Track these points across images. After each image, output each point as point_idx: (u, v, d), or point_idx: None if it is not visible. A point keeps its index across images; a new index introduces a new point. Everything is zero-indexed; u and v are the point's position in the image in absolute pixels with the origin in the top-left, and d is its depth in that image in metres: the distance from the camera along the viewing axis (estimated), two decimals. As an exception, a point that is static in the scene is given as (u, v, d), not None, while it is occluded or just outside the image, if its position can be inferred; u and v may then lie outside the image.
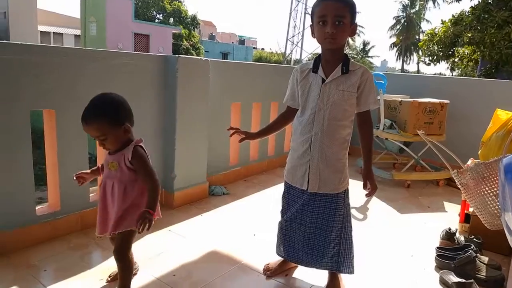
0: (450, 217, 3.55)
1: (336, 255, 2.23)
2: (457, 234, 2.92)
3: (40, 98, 2.53)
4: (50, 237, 2.60)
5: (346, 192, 2.23)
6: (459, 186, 2.80)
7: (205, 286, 2.26)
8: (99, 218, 2.06)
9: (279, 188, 4.00)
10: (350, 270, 2.27)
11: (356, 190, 2.42)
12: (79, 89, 2.67)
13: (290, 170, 2.26)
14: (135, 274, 2.26)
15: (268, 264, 2.48)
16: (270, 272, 2.41)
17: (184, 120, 3.34)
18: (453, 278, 2.40)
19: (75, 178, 2.10)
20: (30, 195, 2.55)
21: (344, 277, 2.34)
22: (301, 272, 2.44)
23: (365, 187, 2.19)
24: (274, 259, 2.49)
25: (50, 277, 2.24)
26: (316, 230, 2.20)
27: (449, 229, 2.93)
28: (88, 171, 2.16)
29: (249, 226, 3.11)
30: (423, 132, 3.59)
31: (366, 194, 2.22)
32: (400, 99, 4.44)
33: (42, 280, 2.20)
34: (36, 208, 2.61)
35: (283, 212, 2.37)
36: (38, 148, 2.52)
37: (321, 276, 2.37)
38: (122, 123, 1.95)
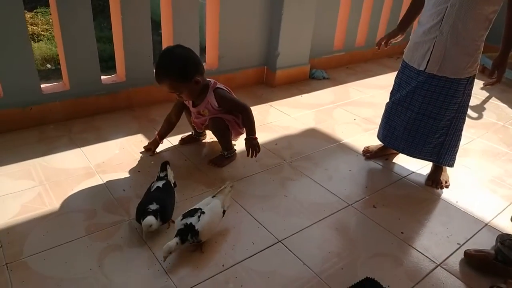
0: None
1: (439, 145, 2.12)
2: None
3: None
4: (165, 99, 2.84)
5: (470, 79, 1.99)
6: None
7: (304, 157, 2.36)
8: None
9: (384, 79, 3.82)
10: (451, 163, 2.17)
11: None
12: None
13: (411, 48, 2.06)
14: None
15: (368, 146, 2.47)
16: (369, 154, 2.41)
17: (294, -6, 3.15)
18: None
19: (144, 149, 2.27)
20: (149, 57, 2.76)
21: (449, 170, 2.25)
22: (402, 159, 2.40)
23: (491, 75, 1.94)
24: (375, 143, 2.47)
25: (167, 131, 2.49)
26: (423, 118, 2.07)
27: None
28: (150, 141, 2.29)
29: (350, 111, 3.06)
30: None
31: (484, 83, 1.98)
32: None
33: (162, 132, 2.47)
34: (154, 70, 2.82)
35: (392, 94, 2.24)
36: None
37: (425, 162, 2.31)
38: (190, 79, 1.98)
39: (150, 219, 1.56)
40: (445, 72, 1.95)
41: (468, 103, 2.08)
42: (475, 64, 1.96)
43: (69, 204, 1.81)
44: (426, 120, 2.07)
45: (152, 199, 1.65)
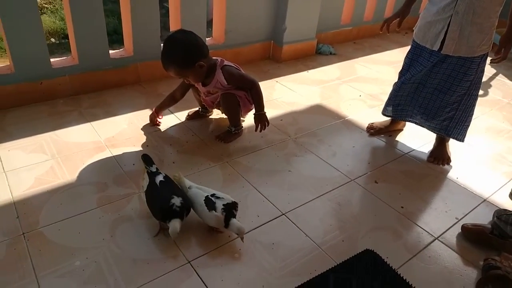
0: None
1: (448, 119, 2.14)
2: None
3: None
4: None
5: (484, 57, 1.99)
6: None
7: (309, 133, 2.40)
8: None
9: (391, 54, 3.79)
10: (460, 138, 2.18)
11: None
12: None
13: (422, 27, 2.05)
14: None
15: (372, 123, 2.49)
16: (373, 131, 2.44)
17: (301, -34, 3.11)
18: None
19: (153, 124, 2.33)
20: (157, 31, 2.77)
21: (451, 147, 2.29)
22: (406, 136, 2.43)
23: (498, 53, 1.95)
24: (379, 120, 2.50)
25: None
26: (434, 92, 2.10)
27: None
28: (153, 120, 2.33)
29: (355, 87, 3.06)
30: None
31: (492, 59, 1.99)
32: None
33: (169, 108, 2.51)
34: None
35: (401, 74, 2.24)
36: None
37: (427, 140, 2.35)
38: (194, 64, 2.00)
39: (175, 225, 1.50)
40: (460, 52, 1.95)
41: (481, 80, 2.09)
42: (489, 42, 1.95)
43: (81, 177, 1.88)
44: (437, 95, 2.10)
45: (170, 193, 1.57)
